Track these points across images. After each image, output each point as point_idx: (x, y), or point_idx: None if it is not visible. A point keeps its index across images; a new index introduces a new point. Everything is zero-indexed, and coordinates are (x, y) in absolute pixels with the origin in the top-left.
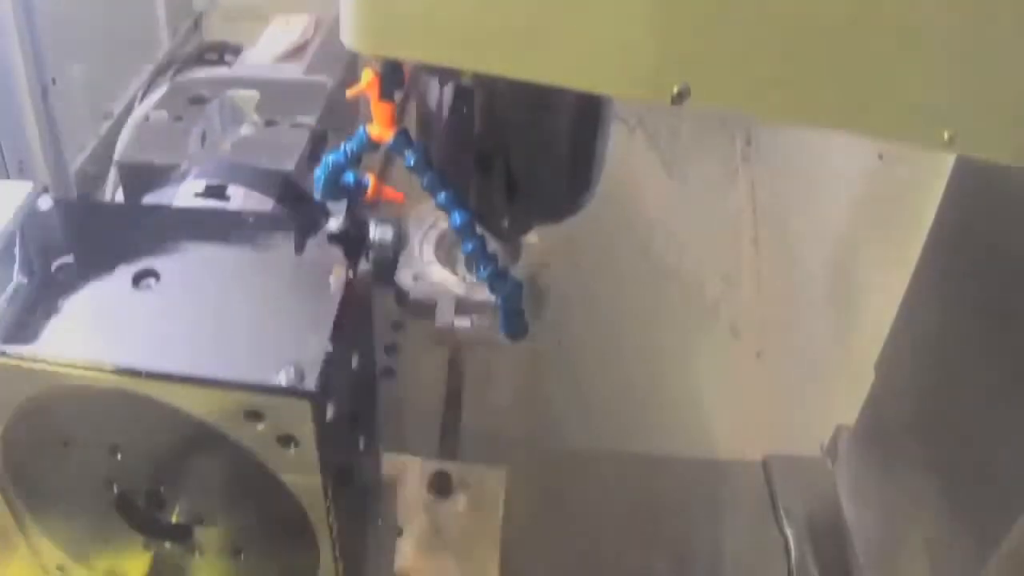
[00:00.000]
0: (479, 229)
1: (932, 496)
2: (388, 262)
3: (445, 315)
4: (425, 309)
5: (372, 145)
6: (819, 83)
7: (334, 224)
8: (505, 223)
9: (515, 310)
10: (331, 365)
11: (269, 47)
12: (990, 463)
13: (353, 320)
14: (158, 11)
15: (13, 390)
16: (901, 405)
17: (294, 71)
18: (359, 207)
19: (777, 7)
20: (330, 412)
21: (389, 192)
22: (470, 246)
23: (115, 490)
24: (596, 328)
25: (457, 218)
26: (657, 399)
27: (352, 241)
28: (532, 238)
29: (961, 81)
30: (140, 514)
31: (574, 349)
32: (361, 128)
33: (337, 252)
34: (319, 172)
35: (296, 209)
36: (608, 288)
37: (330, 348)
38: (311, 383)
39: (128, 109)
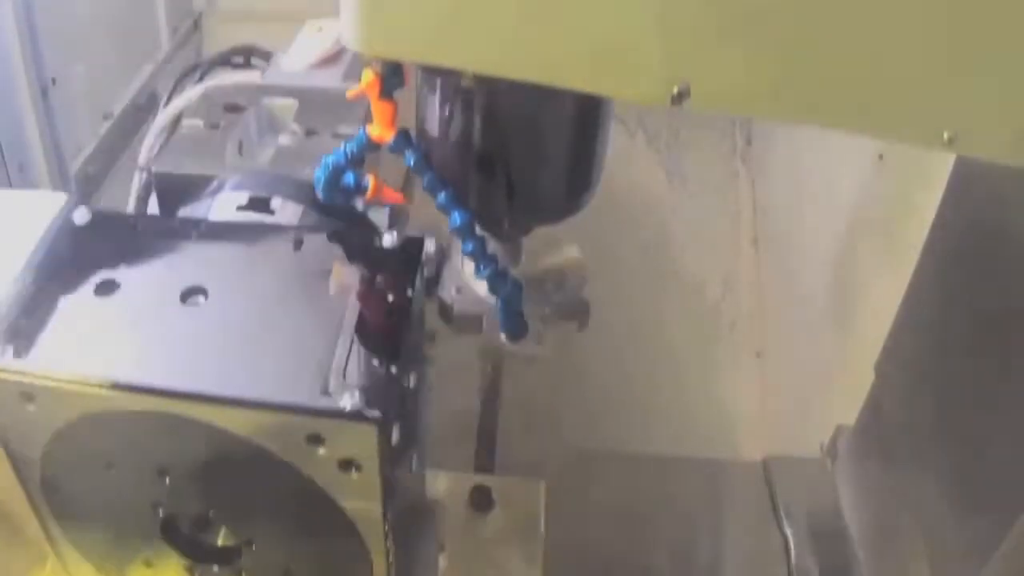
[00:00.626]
0: (479, 230)
1: (932, 496)
2: (432, 275)
3: (492, 328)
4: (469, 323)
5: (372, 146)
6: (818, 83)
7: (389, 239)
8: (505, 224)
9: (515, 310)
10: (394, 388)
11: (302, 53)
12: (990, 463)
13: (410, 338)
14: (158, 11)
15: (55, 412)
16: (901, 405)
17: (331, 78)
18: (403, 220)
19: (776, 7)
20: (395, 436)
21: (389, 193)
22: (470, 247)
23: (161, 513)
24: (596, 328)
25: (457, 218)
26: (657, 399)
27: (408, 256)
28: (575, 251)
29: (961, 81)
30: (185, 537)
31: (574, 349)
32: (361, 129)
33: (391, 266)
34: (319, 173)
35: (343, 222)
36: (608, 288)
37: (395, 370)
38: (376, 408)
39: (130, 109)
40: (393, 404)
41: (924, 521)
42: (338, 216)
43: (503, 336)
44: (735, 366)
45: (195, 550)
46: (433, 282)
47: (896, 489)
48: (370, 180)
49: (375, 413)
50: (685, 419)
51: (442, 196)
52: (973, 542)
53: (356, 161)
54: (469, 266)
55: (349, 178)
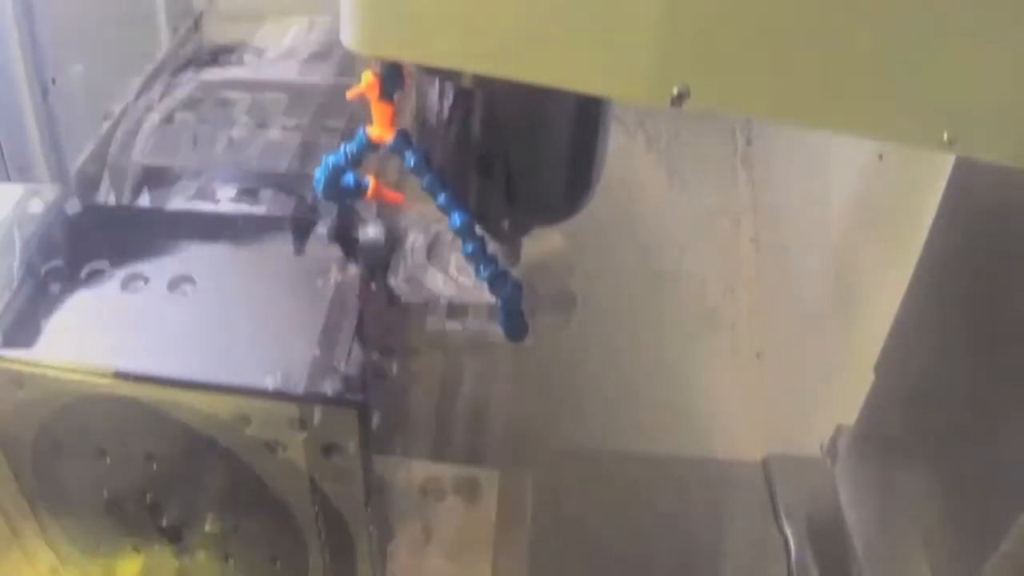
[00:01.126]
0: (479, 230)
1: (932, 496)
2: (380, 264)
3: (437, 318)
4: (417, 312)
5: (372, 146)
6: (818, 85)
7: (373, 231)
8: (505, 224)
9: (515, 311)
10: (376, 374)
11: (293, 49)
12: (990, 463)
13: (392, 326)
14: (158, 11)
15: (46, 399)
16: (901, 406)
17: (322, 74)
18: (387, 212)
19: (776, 9)
20: (375, 421)
21: (389, 193)
22: (470, 247)
23: (148, 499)
24: (596, 328)
25: (457, 219)
26: (657, 399)
27: (389, 248)
28: (558, 241)
29: (960, 82)
30: (131, 517)
31: (574, 349)
32: (361, 129)
33: (375, 257)
34: (319, 173)
35: (332, 214)
36: (608, 289)
37: (376, 356)
38: (358, 393)
39: (129, 109)
40: (375, 390)
41: (924, 521)
42: (326, 208)
43: (447, 325)
44: (735, 366)
45: (181, 535)
46: (384, 269)
47: (896, 489)
48: (370, 180)
49: (356, 398)
50: (685, 419)
51: (442, 197)
52: (973, 542)
53: (356, 161)
54: (419, 256)
55: (349, 178)
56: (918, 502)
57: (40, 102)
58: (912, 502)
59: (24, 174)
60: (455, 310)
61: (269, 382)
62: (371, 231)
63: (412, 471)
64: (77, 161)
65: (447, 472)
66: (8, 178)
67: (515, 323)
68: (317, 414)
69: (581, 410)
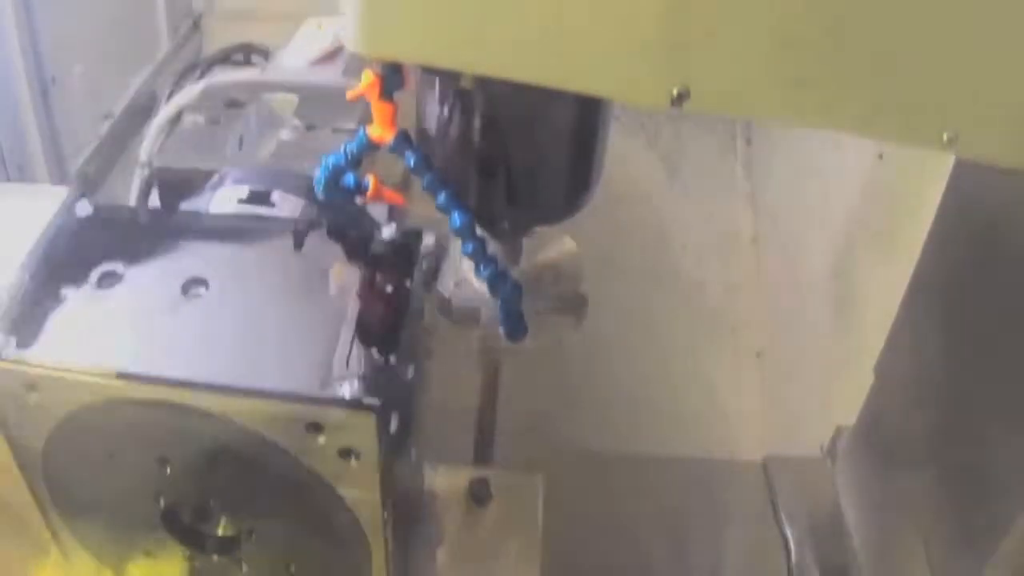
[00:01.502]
0: (479, 230)
1: (932, 496)
2: (431, 269)
3: (489, 322)
4: (467, 316)
5: (372, 146)
6: (817, 86)
7: (388, 232)
8: (505, 224)
9: (515, 311)
10: (392, 377)
11: (302, 50)
12: (990, 463)
13: (408, 329)
14: (158, 11)
15: (58, 401)
16: (901, 406)
17: (331, 75)
18: (400, 214)
19: (774, 11)
20: (393, 425)
21: (389, 194)
22: (470, 247)
23: (161, 503)
24: (596, 328)
25: (457, 219)
26: (657, 399)
27: (406, 249)
28: (570, 244)
29: (960, 83)
30: (185, 526)
31: (574, 349)
32: (361, 129)
33: (389, 258)
34: (319, 174)
35: (343, 215)
36: (609, 289)
37: (394, 360)
38: (375, 396)
39: (130, 109)
40: (392, 393)
41: (924, 521)
42: (338, 209)
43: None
44: (735, 366)
45: (195, 540)
46: (432, 276)
47: (896, 489)
48: (370, 180)
49: (374, 401)
50: (685, 419)
51: (442, 197)
52: (973, 542)
53: (356, 161)
54: (468, 261)
55: (349, 179)
56: (918, 502)
57: (40, 102)
58: (912, 502)
59: (24, 173)
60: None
61: (283, 385)
62: (386, 232)
63: (452, 476)
64: (77, 161)
65: (491, 477)
66: (8, 178)
67: (515, 323)
68: (333, 417)
69: (581, 410)
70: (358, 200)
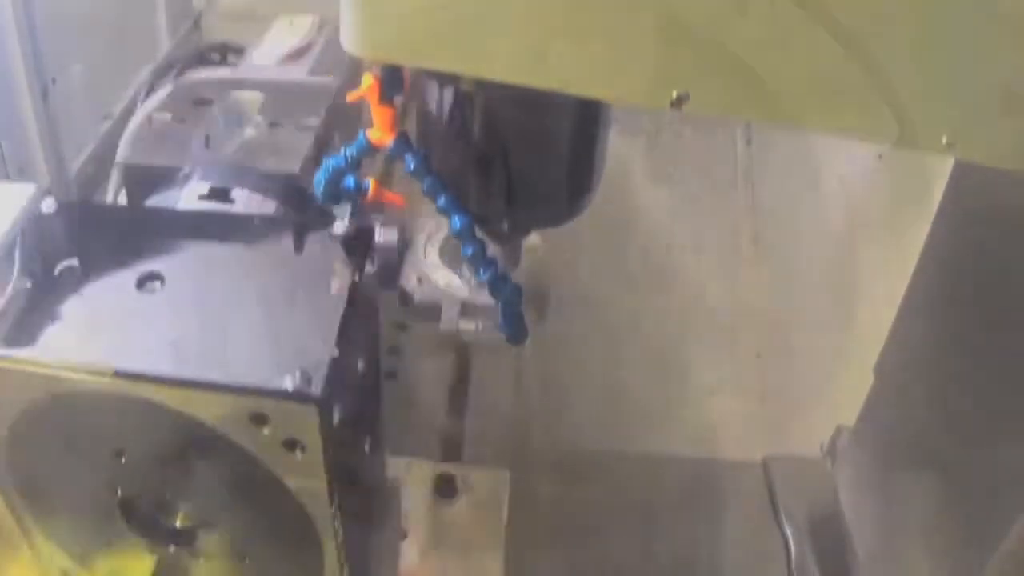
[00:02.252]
0: (479, 233)
1: (932, 496)
2: (392, 265)
3: (450, 318)
4: (429, 312)
5: (372, 149)
6: (817, 90)
7: (340, 227)
8: (505, 226)
9: (515, 313)
10: (337, 369)
11: (273, 48)
12: (989, 463)
13: (359, 323)
14: (158, 11)
15: (15, 394)
16: (900, 406)
17: (298, 73)
18: (362, 210)
19: (774, 18)
20: (336, 416)
21: (389, 196)
22: (470, 250)
23: (119, 494)
24: (597, 328)
25: (457, 222)
26: (657, 399)
27: (357, 244)
28: (534, 239)
29: (959, 86)
30: (144, 518)
31: (574, 349)
32: (361, 132)
33: (340, 254)
34: (319, 176)
35: (300, 212)
36: (608, 289)
37: (336, 352)
38: (317, 388)
39: (129, 109)
40: (336, 385)
41: (924, 521)
42: (297, 206)
43: (460, 325)
44: (735, 366)
45: (153, 531)
46: (394, 271)
47: (896, 489)
48: (370, 183)
49: (315, 393)
50: (685, 419)
51: (442, 199)
52: (973, 542)
53: (356, 164)
54: (431, 256)
55: (349, 181)
56: (918, 502)
57: (40, 102)
58: (912, 502)
59: (24, 174)
60: (468, 309)
61: (231, 377)
62: (384, 233)
63: (420, 470)
64: (77, 161)
65: (457, 472)
66: (8, 178)
67: (515, 325)
68: (276, 408)
69: (580, 410)
70: (355, 204)
